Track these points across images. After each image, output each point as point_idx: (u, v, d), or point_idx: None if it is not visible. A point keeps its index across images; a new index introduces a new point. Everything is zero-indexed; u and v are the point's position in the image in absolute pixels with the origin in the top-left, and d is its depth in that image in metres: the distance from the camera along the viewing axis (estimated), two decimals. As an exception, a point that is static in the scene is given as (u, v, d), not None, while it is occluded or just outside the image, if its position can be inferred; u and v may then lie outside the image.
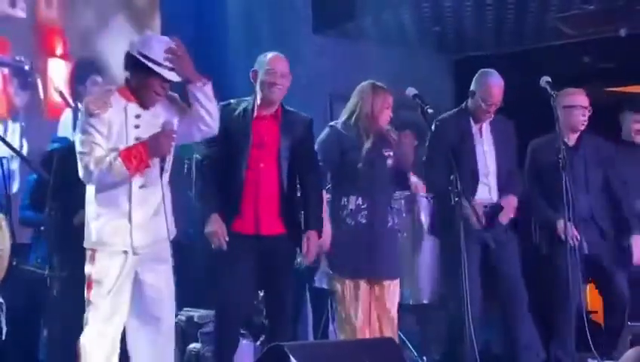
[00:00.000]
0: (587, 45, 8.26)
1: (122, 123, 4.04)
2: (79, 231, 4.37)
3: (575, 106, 5.65)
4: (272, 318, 4.81)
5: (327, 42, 8.04)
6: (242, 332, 5.47)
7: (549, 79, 5.25)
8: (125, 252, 4.06)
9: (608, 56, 8.45)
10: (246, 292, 4.79)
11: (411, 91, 4.95)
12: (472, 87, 5.44)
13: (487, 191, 5.37)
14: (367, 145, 5.02)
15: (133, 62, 4.06)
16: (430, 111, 4.88)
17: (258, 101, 4.80)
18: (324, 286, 5.23)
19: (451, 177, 4.73)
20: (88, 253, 4.11)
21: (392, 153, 5.13)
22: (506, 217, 5.35)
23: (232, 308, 4.73)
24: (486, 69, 5.48)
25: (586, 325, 5.20)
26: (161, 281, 4.15)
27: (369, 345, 4.44)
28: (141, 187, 4.07)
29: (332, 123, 5.18)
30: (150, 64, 4.01)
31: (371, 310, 5.02)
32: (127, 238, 4.05)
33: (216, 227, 4.66)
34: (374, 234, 5.01)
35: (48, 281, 5.03)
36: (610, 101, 6.24)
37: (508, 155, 5.46)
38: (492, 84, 5.35)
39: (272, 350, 3.75)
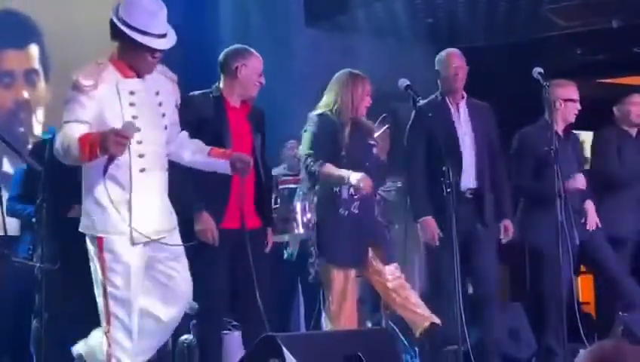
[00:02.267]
0: (579, 37, 8.26)
1: (116, 100, 3.78)
2: (72, 222, 4.34)
3: (573, 100, 5.70)
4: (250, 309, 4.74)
5: (319, 35, 8.03)
6: (234, 323, 5.48)
7: (542, 70, 5.26)
8: (131, 239, 3.84)
9: (600, 48, 8.46)
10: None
11: (403, 83, 4.95)
12: (436, 68, 5.49)
13: (466, 177, 5.36)
14: (346, 133, 5.00)
15: (119, 32, 3.78)
16: (422, 101, 4.89)
17: (231, 92, 4.80)
18: (313, 277, 5.22)
19: (443, 168, 4.74)
20: (92, 239, 3.89)
21: (375, 142, 5.14)
22: (506, 237, 5.39)
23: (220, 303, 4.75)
24: (447, 49, 5.57)
25: (578, 315, 5.21)
26: (176, 266, 3.98)
27: (361, 335, 4.45)
28: (141, 171, 3.84)
29: (318, 112, 5.07)
30: (135, 34, 3.74)
31: (386, 294, 5.04)
32: (127, 226, 3.82)
33: (206, 225, 4.66)
34: (366, 224, 5.02)
35: (39, 273, 5.02)
36: (601, 93, 6.24)
37: (487, 139, 5.45)
38: (456, 63, 5.41)
39: (264, 341, 3.74)
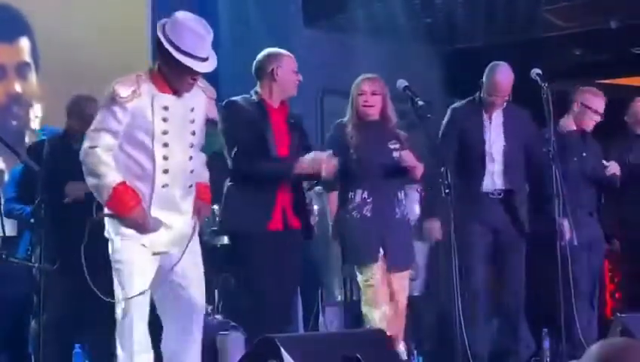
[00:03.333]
0: (578, 37, 8.27)
1: (149, 114, 3.84)
2: (71, 222, 4.34)
3: (592, 109, 5.81)
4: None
5: (318, 35, 8.03)
6: (233, 324, 5.48)
7: (540, 71, 5.27)
8: (146, 246, 3.91)
9: (599, 49, 8.46)
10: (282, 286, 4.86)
11: (402, 83, 4.97)
12: (482, 79, 5.57)
13: (490, 178, 5.45)
14: (354, 135, 5.12)
15: (163, 50, 3.84)
16: (421, 103, 4.90)
17: (270, 95, 4.91)
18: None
19: (442, 169, 4.76)
20: (110, 241, 3.95)
21: (398, 146, 5.15)
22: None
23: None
24: (497, 62, 5.58)
25: (575, 315, 5.22)
26: (190, 266, 4.01)
27: (360, 336, 4.45)
28: (164, 186, 3.91)
29: (338, 121, 5.30)
30: (180, 56, 3.81)
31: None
32: (147, 236, 3.89)
33: None
34: (381, 226, 5.08)
35: (37, 273, 5.02)
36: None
37: (520, 143, 5.53)
38: (498, 80, 5.49)
39: (263, 342, 3.74)
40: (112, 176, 3.80)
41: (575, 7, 7.71)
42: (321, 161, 4.77)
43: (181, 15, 3.90)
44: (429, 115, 5.01)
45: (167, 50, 3.82)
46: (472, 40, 8.48)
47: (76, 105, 5.44)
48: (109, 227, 3.95)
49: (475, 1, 7.82)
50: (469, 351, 4.79)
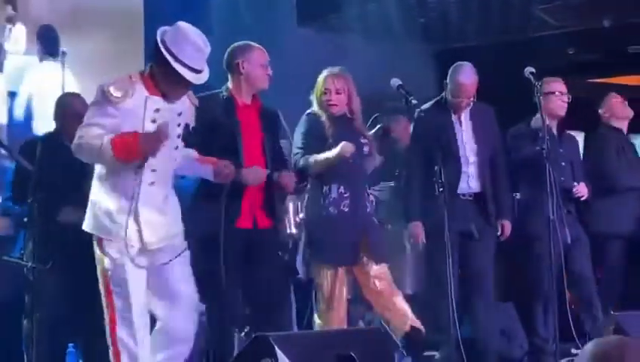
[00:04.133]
0: (571, 36, 8.29)
1: (140, 115, 3.92)
2: (64, 224, 4.34)
3: (553, 92, 5.71)
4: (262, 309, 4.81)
5: (311, 35, 8.03)
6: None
7: (533, 70, 5.27)
8: (136, 247, 3.97)
9: (592, 48, 8.48)
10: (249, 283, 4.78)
11: (395, 82, 4.97)
12: (446, 80, 5.48)
13: (466, 181, 5.39)
14: (329, 130, 5.02)
15: (161, 57, 3.94)
16: (414, 101, 4.91)
17: (239, 91, 4.79)
18: (303, 276, 5.23)
19: (435, 168, 4.76)
20: (98, 240, 4.00)
21: (366, 141, 5.13)
22: (503, 236, 5.41)
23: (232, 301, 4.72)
24: (460, 63, 5.48)
25: (569, 315, 5.23)
26: (177, 267, 4.08)
27: (355, 335, 4.45)
28: (151, 184, 3.98)
29: (308, 111, 5.15)
30: (176, 65, 3.90)
31: (370, 294, 5.04)
32: (137, 234, 3.96)
33: None
34: (357, 222, 5.01)
35: (29, 273, 5.00)
36: (593, 92, 6.26)
37: (489, 143, 5.46)
38: (461, 81, 5.37)
39: (257, 340, 3.74)
40: (105, 139, 3.85)
41: (568, 6, 7.73)
42: (257, 173, 4.66)
43: (183, 26, 4.01)
44: (422, 114, 5.02)
45: (165, 58, 3.91)
46: (466, 39, 8.49)
47: (62, 103, 5.42)
48: (97, 248, 4.01)
49: (468, 0, 7.83)
50: (462, 348, 4.79)
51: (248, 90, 4.81)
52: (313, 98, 5.13)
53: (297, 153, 5.01)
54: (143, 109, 3.91)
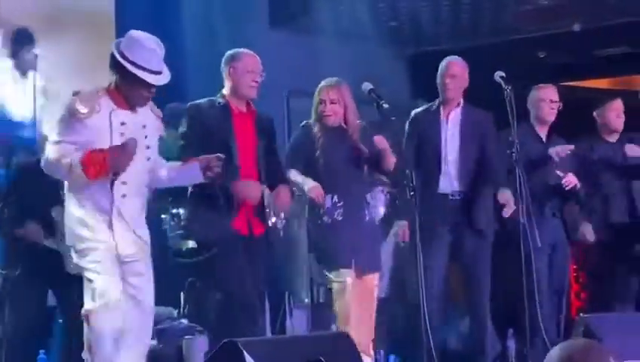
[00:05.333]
0: (541, 40, 8.34)
1: (107, 129, 4.00)
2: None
3: (544, 100, 5.81)
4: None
5: (283, 37, 8.02)
6: (199, 329, 5.46)
7: (503, 74, 5.29)
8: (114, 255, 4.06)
9: (562, 52, 8.53)
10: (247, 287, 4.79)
11: (367, 86, 4.99)
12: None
13: (447, 180, 5.43)
14: (319, 139, 5.09)
15: (119, 66, 4.03)
16: (386, 106, 4.92)
17: (233, 98, 4.81)
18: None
19: (407, 171, 4.79)
20: (75, 251, 4.08)
21: (362, 151, 5.15)
22: (507, 212, 5.42)
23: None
24: (448, 57, 5.59)
25: (539, 315, 5.26)
26: (144, 275, 4.18)
27: (324, 339, 4.45)
28: (123, 196, 4.05)
29: (304, 122, 5.25)
30: (135, 69, 4.00)
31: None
32: (114, 245, 4.04)
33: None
34: (351, 230, 5.06)
35: (0, 279, 4.98)
36: (564, 96, 6.28)
37: (475, 145, 5.51)
38: (444, 72, 5.49)
39: (226, 346, 3.73)
40: (74, 157, 3.92)
41: (539, 11, 7.77)
42: (251, 189, 4.69)
43: (134, 33, 4.12)
44: (393, 118, 5.03)
45: (121, 64, 4.01)
46: (437, 43, 8.52)
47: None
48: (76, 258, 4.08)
49: (439, 4, 7.85)
50: (433, 351, 4.81)
51: (238, 96, 4.81)
52: (313, 107, 5.21)
53: (285, 164, 5.11)
54: (109, 123, 4.00)
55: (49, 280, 5.10)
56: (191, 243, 5.61)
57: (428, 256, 4.96)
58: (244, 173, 4.73)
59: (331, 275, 5.09)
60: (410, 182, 4.77)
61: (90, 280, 4.00)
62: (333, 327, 6.03)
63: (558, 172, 5.79)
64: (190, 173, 4.36)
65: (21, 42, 6.66)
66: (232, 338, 3.75)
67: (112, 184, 4.02)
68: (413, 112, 5.64)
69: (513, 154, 5.18)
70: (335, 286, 5.08)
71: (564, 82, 8.62)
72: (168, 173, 4.34)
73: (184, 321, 5.63)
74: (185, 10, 7.41)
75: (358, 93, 5.10)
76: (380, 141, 5.07)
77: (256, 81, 4.80)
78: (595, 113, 6.29)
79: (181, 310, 5.84)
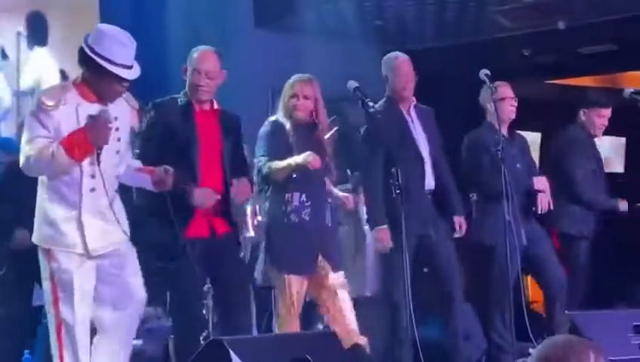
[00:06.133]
0: (526, 38, 8.35)
1: (73, 123, 3.92)
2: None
3: (504, 98, 5.73)
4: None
5: (268, 36, 8.02)
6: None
7: (488, 72, 5.29)
8: (81, 254, 3.99)
9: (547, 49, 8.55)
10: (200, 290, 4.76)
11: (352, 84, 4.96)
12: (383, 72, 5.43)
13: (428, 179, 5.39)
14: (292, 136, 4.98)
15: (88, 59, 3.97)
16: (371, 104, 4.89)
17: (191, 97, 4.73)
18: (261, 283, 5.20)
19: (392, 170, 4.76)
20: (43, 251, 4.02)
21: (327, 148, 5.11)
22: (460, 233, 5.41)
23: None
24: (391, 54, 5.49)
25: (526, 315, 5.26)
26: (126, 271, 4.11)
27: (309, 338, 4.45)
28: (92, 190, 3.99)
29: (272, 118, 5.09)
30: (105, 63, 3.92)
31: (322, 303, 5.03)
32: (80, 241, 3.98)
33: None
34: (317, 231, 4.99)
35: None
36: (549, 94, 6.30)
37: (434, 142, 5.46)
38: (400, 64, 5.38)
39: (212, 344, 3.72)
40: (54, 145, 3.87)
41: (523, 9, 7.79)
42: (206, 195, 4.58)
43: (104, 27, 4.08)
44: (378, 116, 5.02)
45: (93, 59, 3.94)
46: (422, 41, 8.53)
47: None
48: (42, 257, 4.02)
49: (424, 2, 7.86)
50: (420, 351, 4.81)
51: (191, 97, 4.70)
52: (280, 104, 5.08)
53: (261, 160, 4.96)
54: (76, 117, 3.93)
55: (36, 279, 5.08)
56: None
57: (398, 259, 4.87)
58: (206, 173, 4.64)
59: (280, 280, 4.95)
60: (395, 180, 4.75)
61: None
62: (319, 325, 6.05)
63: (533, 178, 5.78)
64: (141, 180, 4.35)
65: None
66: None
67: (81, 179, 3.96)
68: (372, 111, 4.98)
69: (498, 153, 5.19)
70: (286, 287, 4.93)
71: (549, 80, 8.66)
72: (125, 170, 4.28)
73: (170, 321, 5.60)
74: (169, 8, 7.39)
75: (343, 91, 5.08)
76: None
77: (202, 84, 4.64)
78: (581, 110, 6.28)
79: (167, 309, 5.82)
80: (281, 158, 4.91)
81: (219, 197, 4.61)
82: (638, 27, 7.78)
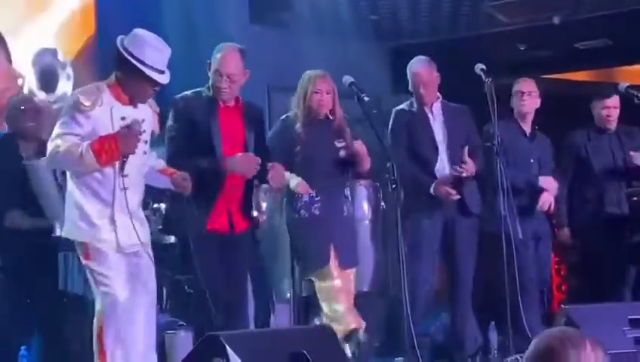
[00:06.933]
0: (522, 33, 8.36)
1: (109, 123, 4.08)
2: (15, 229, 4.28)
3: (523, 92, 5.83)
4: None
5: (264, 32, 8.01)
6: (181, 323, 5.45)
7: (484, 66, 5.32)
8: (113, 248, 4.14)
9: (543, 44, 8.56)
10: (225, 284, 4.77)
11: (348, 79, 4.99)
12: (408, 76, 5.60)
13: (442, 167, 5.51)
14: (301, 133, 5.04)
15: (123, 61, 4.11)
16: (366, 99, 4.93)
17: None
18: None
19: (387, 165, 4.78)
20: (79, 245, 4.17)
21: (343, 143, 5.13)
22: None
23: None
24: (417, 57, 5.61)
25: (521, 307, 5.28)
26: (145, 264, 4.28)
27: (306, 333, 4.45)
28: (123, 189, 4.13)
29: (284, 116, 5.19)
30: (144, 68, 4.07)
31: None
32: (114, 238, 4.13)
33: None
34: (330, 225, 5.06)
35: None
36: (545, 88, 6.29)
37: (461, 132, 5.57)
38: (414, 71, 5.54)
39: (208, 339, 3.73)
40: (84, 146, 3.99)
41: (518, 3, 7.79)
42: (249, 161, 4.61)
43: (140, 32, 4.21)
44: (374, 111, 5.04)
45: (128, 61, 4.07)
46: (418, 36, 8.54)
47: (12, 108, 5.38)
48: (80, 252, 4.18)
49: (419, -3, 7.88)
50: (416, 344, 4.82)
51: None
52: (297, 100, 5.10)
53: None
54: (110, 118, 4.08)
55: (33, 274, 5.08)
56: (172, 239, 5.60)
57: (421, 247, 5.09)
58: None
59: (315, 278, 5.06)
60: (391, 175, 4.77)
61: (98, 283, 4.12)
62: (316, 320, 6.06)
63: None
64: (161, 180, 4.50)
65: None
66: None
67: (114, 177, 4.10)
68: (395, 110, 5.62)
69: (494, 147, 5.21)
70: (321, 285, 5.05)
71: (545, 75, 8.66)
72: (149, 170, 4.41)
73: (166, 316, 5.62)
74: (165, 3, 7.38)
75: (338, 86, 5.09)
76: (360, 147, 5.07)
77: (224, 87, 4.67)
78: (591, 105, 6.27)
79: (163, 305, 5.82)
80: (283, 156, 4.94)
81: (260, 161, 4.62)
82: (633, 22, 7.79)
